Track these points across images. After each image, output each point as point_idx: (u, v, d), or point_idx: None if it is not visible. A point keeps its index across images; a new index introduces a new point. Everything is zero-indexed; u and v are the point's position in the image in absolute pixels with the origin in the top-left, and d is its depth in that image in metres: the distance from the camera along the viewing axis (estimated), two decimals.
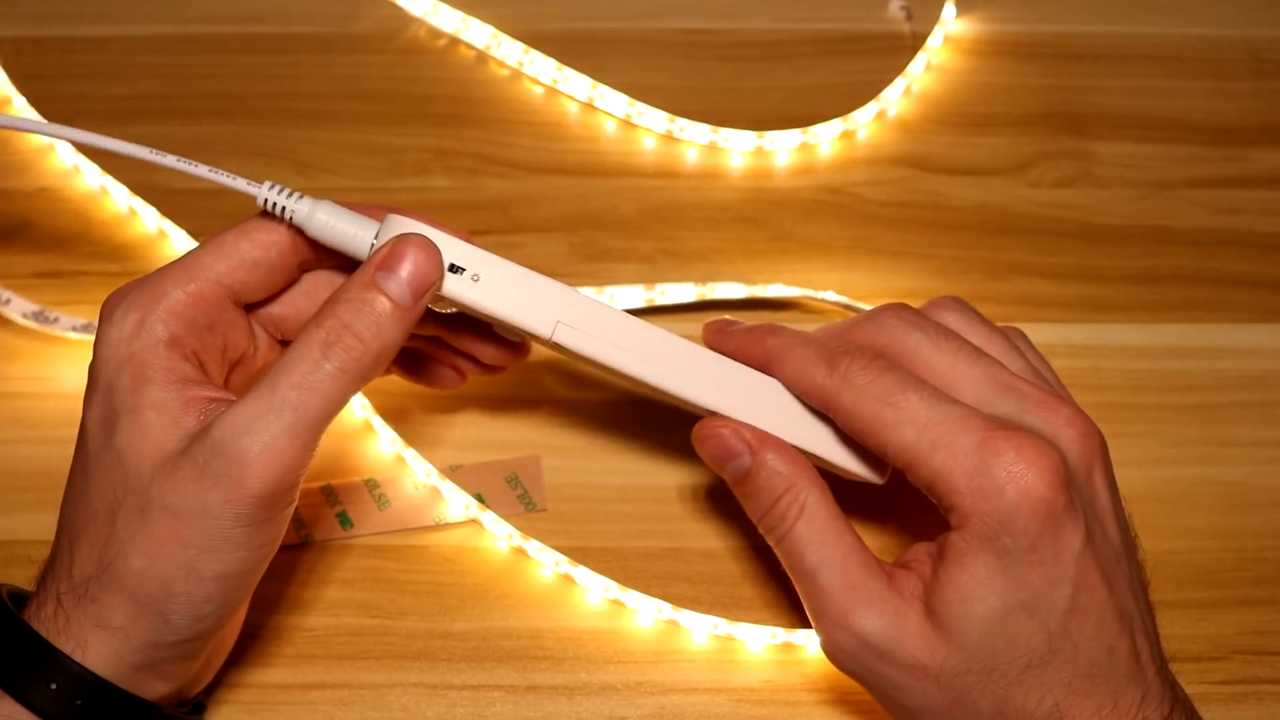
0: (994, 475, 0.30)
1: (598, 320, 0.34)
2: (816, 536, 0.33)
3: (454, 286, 0.33)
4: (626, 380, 0.35)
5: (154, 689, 0.33)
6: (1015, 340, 0.36)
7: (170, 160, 0.33)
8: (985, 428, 0.31)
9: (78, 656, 0.31)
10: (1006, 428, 0.31)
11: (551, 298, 0.33)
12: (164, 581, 0.31)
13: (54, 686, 0.31)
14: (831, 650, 0.34)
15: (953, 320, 0.35)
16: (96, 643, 0.31)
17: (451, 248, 0.33)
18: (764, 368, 0.35)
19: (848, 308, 0.47)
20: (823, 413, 0.34)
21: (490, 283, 0.33)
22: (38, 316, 0.45)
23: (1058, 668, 0.31)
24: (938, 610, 0.32)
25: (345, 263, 0.35)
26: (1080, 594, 0.31)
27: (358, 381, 0.32)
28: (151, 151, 0.33)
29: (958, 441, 0.31)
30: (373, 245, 0.33)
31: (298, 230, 0.33)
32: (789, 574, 0.35)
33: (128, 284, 0.33)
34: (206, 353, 0.33)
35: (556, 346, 0.34)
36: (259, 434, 0.30)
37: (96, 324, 0.33)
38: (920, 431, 0.31)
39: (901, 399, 0.32)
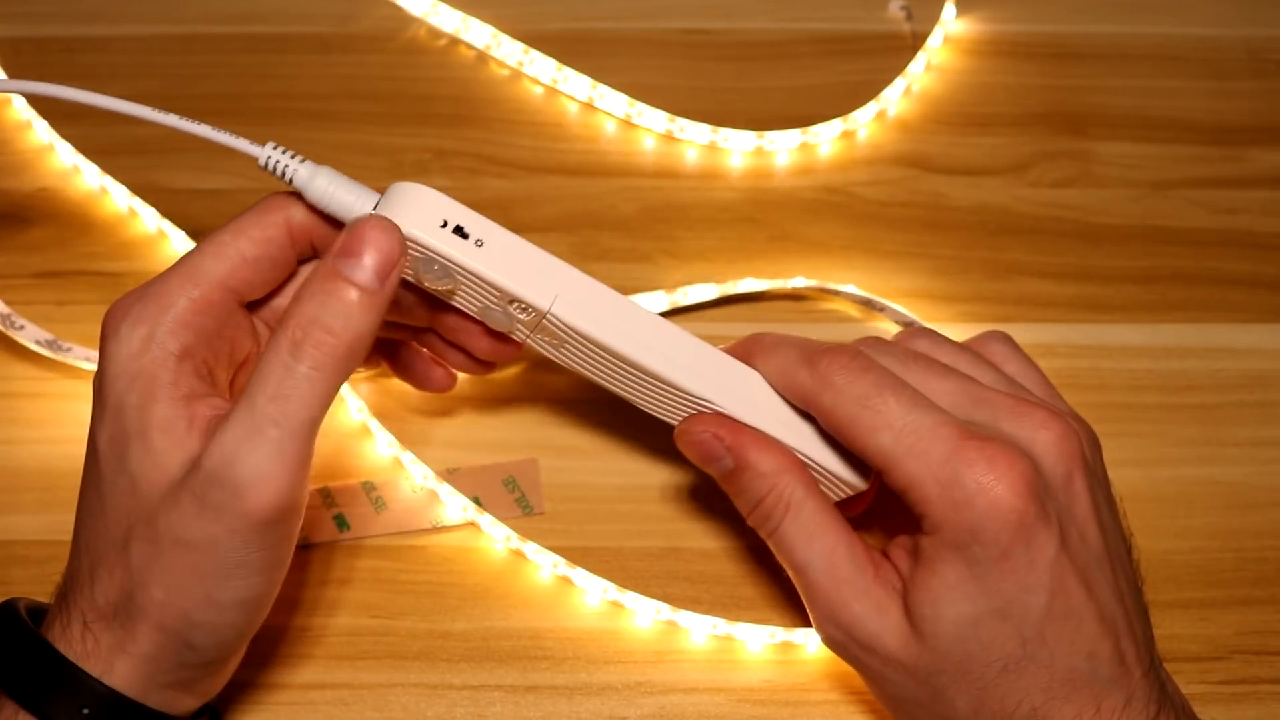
0: (964, 486, 0.31)
1: (595, 299, 0.34)
2: (804, 533, 0.34)
3: (456, 251, 0.32)
4: (612, 372, 0.35)
5: (184, 704, 0.33)
6: (998, 344, 0.36)
7: (172, 119, 0.32)
8: (958, 437, 0.31)
9: (108, 680, 0.31)
10: (979, 437, 0.31)
11: (553, 272, 0.33)
12: (184, 612, 0.31)
13: (86, 711, 0.30)
14: (822, 636, 0.35)
15: (921, 345, 0.36)
16: (126, 666, 0.31)
17: (457, 213, 0.33)
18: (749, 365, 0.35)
19: (865, 302, 0.47)
20: (805, 412, 0.35)
21: (493, 250, 0.33)
22: (51, 345, 0.44)
23: (1034, 673, 0.31)
24: (913, 610, 0.32)
25: None
26: (1056, 601, 0.31)
27: (337, 377, 0.30)
28: (153, 110, 0.32)
29: (931, 450, 0.31)
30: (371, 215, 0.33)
31: (297, 196, 0.33)
32: (782, 565, 0.35)
33: (129, 295, 0.32)
34: (216, 359, 0.33)
35: (547, 328, 0.34)
36: (248, 459, 0.29)
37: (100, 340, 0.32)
38: (897, 437, 0.32)
39: (880, 402, 0.32)
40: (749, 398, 0.35)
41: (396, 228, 0.31)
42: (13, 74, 0.51)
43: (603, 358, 0.35)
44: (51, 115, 0.50)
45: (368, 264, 0.30)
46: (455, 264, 0.33)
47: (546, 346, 0.35)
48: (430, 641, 0.39)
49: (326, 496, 0.42)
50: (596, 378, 0.36)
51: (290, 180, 0.33)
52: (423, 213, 0.32)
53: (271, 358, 0.30)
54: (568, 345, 0.35)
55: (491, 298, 0.34)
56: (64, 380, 0.44)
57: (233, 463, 0.29)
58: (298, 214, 0.33)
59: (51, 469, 0.42)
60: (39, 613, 0.33)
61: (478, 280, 0.33)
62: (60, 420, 0.43)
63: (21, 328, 0.44)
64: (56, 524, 0.41)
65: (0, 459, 0.43)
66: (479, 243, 0.33)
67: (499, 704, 0.38)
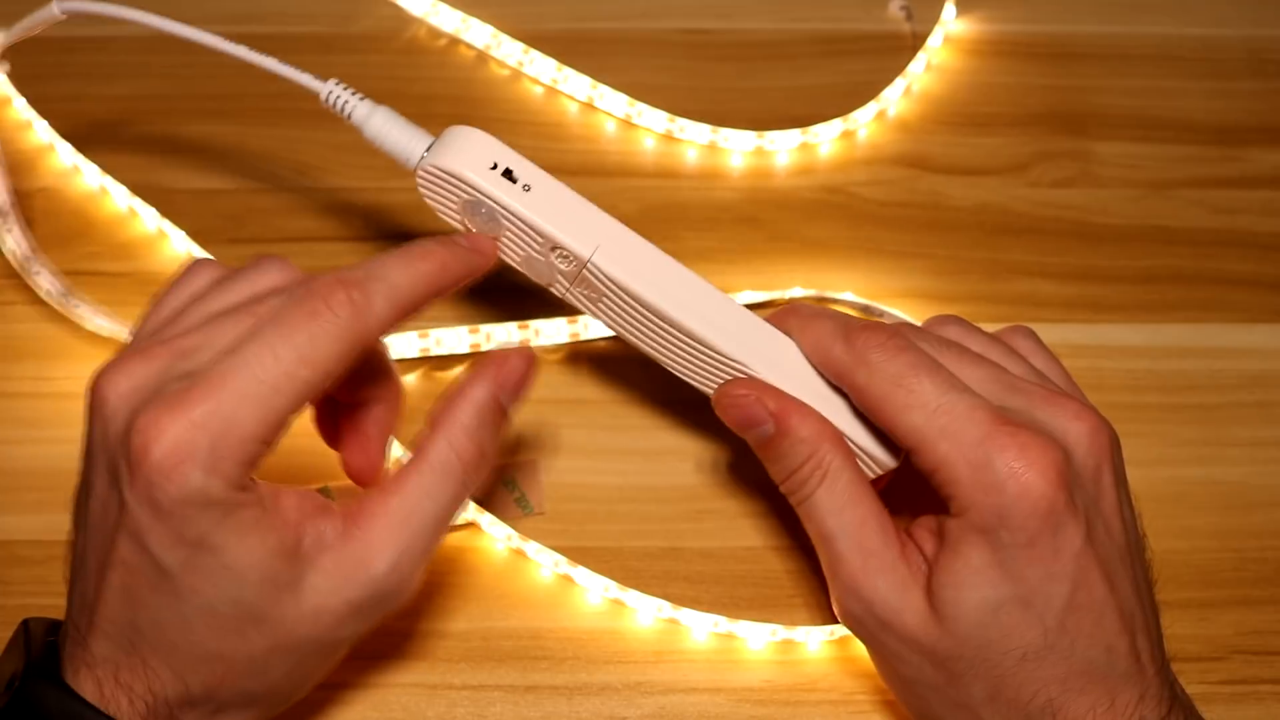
0: (995, 470, 0.31)
1: (636, 253, 0.34)
2: (836, 503, 0.34)
3: (504, 193, 0.33)
4: (648, 330, 0.35)
5: None
6: (1023, 339, 0.36)
7: (241, 50, 0.35)
8: (992, 421, 0.31)
9: None
10: (1013, 423, 0.31)
11: (597, 222, 0.34)
12: (288, 696, 0.34)
13: None
14: (840, 611, 0.35)
15: (952, 332, 0.36)
16: None
17: (507, 157, 0.33)
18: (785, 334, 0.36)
19: (864, 308, 0.47)
20: (837, 387, 0.35)
21: (539, 196, 0.34)
22: (62, 296, 0.44)
23: (1053, 663, 0.31)
24: (935, 592, 0.32)
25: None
26: (1079, 592, 0.31)
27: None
28: (223, 40, 0.35)
29: (964, 432, 0.31)
30: (423, 157, 0.34)
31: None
32: (808, 534, 0.35)
33: (188, 423, 0.28)
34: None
35: (586, 279, 0.34)
36: (414, 571, 0.32)
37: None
38: (929, 417, 0.32)
39: (914, 382, 0.32)
40: (784, 366, 0.35)
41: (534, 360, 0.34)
42: (13, 75, 0.51)
43: (639, 314, 0.35)
44: (51, 115, 0.50)
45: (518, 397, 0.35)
46: (500, 205, 0.33)
47: (585, 301, 0.35)
48: (430, 641, 0.39)
49: (326, 495, 0.42)
50: (631, 336, 0.36)
51: (349, 116, 0.34)
52: (473, 154, 0.33)
53: (449, 491, 0.33)
54: (605, 299, 0.35)
55: (535, 245, 0.34)
56: (65, 380, 0.44)
57: (405, 577, 0.32)
58: (375, 328, 0.31)
59: (51, 469, 0.42)
60: (54, 646, 0.32)
61: (522, 224, 0.33)
62: (61, 420, 0.43)
63: (38, 272, 0.45)
64: (56, 524, 0.40)
65: (0, 459, 0.43)
66: (526, 187, 0.33)
67: (499, 704, 0.38)
